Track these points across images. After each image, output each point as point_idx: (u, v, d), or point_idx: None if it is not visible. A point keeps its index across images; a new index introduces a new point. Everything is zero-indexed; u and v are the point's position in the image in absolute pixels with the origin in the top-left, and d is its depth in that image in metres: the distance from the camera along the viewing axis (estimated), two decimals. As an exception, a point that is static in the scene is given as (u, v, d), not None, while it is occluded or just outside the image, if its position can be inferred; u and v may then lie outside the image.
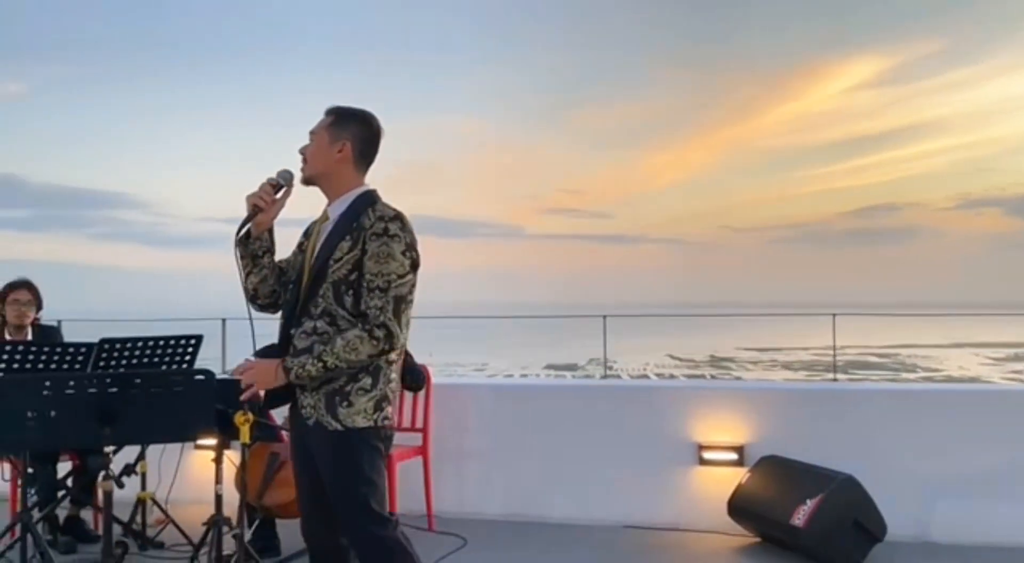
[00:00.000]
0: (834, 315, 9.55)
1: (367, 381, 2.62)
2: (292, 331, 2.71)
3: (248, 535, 3.84)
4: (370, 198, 2.73)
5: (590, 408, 5.07)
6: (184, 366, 4.39)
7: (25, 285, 4.82)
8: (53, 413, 2.18)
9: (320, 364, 2.55)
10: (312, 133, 2.79)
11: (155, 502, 4.64)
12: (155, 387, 2.23)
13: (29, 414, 2.19)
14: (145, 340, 4.34)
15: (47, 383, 2.24)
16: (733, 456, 4.74)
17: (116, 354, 4.25)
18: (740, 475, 4.59)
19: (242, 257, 2.78)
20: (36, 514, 4.30)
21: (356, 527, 2.66)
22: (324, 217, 2.81)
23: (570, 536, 4.70)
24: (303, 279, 2.73)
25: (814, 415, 4.85)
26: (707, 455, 4.78)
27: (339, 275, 2.64)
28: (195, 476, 5.06)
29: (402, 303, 2.62)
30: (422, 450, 4.83)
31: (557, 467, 5.02)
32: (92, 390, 2.17)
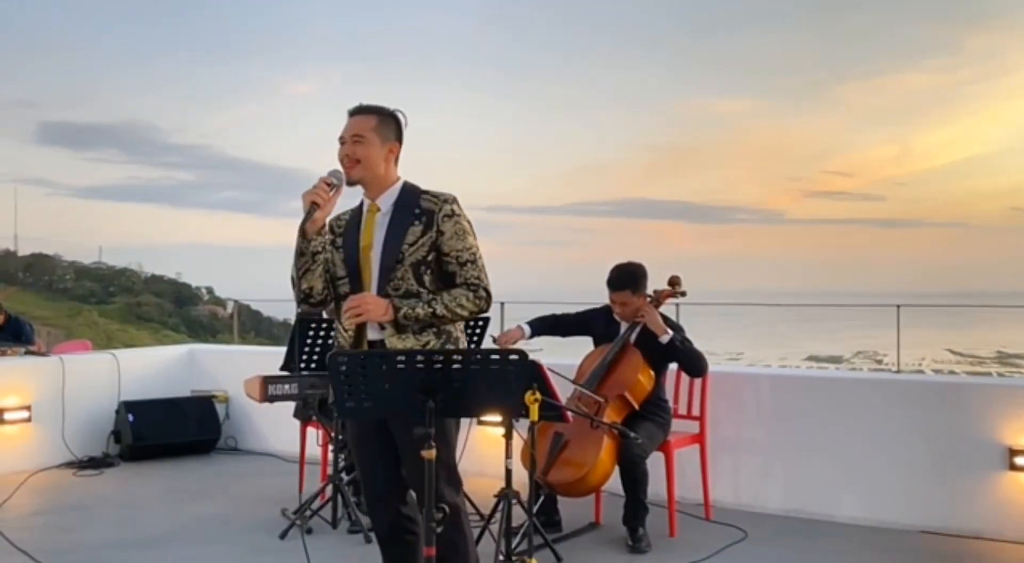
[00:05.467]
0: None
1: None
2: None
3: (534, 510, 3.97)
4: (416, 186, 2.95)
5: (882, 403, 4.74)
6: (474, 343, 4.63)
7: None
8: (387, 385, 2.35)
9: (429, 309, 2.79)
10: (358, 136, 2.88)
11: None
12: (474, 364, 2.34)
13: (363, 386, 2.37)
14: None
15: (378, 358, 2.40)
16: (1052, 463, 4.26)
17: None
18: (1060, 484, 4.13)
19: (301, 254, 2.85)
20: (344, 477, 4.72)
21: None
22: (373, 209, 2.93)
23: (860, 537, 4.45)
24: (366, 268, 2.87)
25: None
26: (1020, 460, 4.33)
27: (417, 257, 2.83)
28: (478, 450, 5.32)
29: (485, 271, 2.91)
30: (699, 438, 4.76)
31: (844, 464, 4.75)
32: (420, 364, 2.31)
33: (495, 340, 4.68)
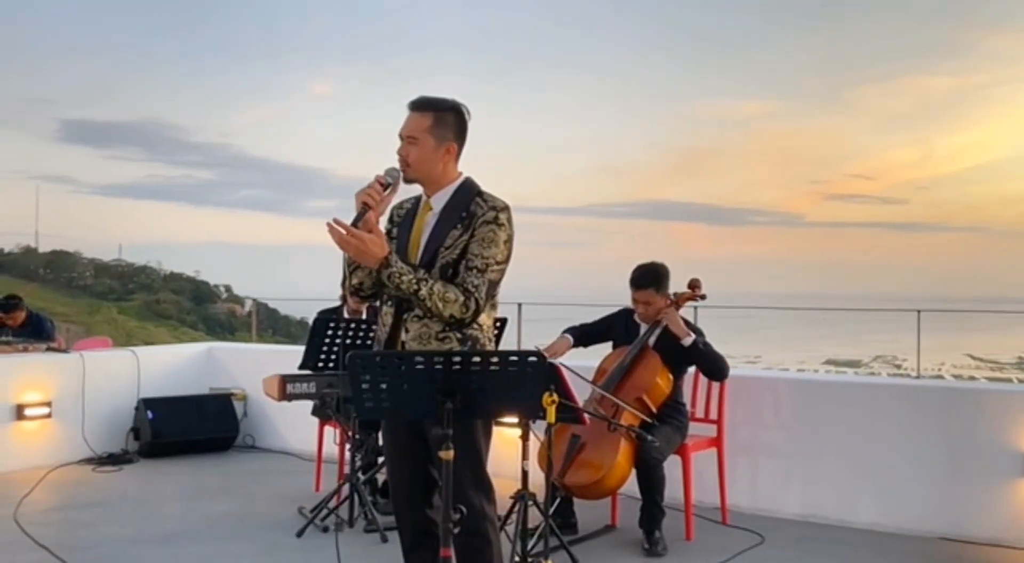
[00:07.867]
0: None
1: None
2: (404, 316, 2.78)
3: (550, 512, 3.97)
4: (474, 187, 2.85)
5: (901, 408, 4.71)
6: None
7: None
8: (405, 386, 2.36)
9: (415, 286, 2.67)
10: (411, 137, 2.79)
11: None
12: (493, 365, 2.34)
13: (383, 386, 2.38)
14: None
15: (397, 358, 2.41)
16: (1073, 471, 4.22)
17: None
18: (1081, 493, 4.09)
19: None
20: (361, 476, 4.74)
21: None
22: (427, 207, 2.86)
23: (878, 544, 4.42)
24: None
25: None
26: (1041, 468, 4.30)
27: (447, 260, 2.75)
28: (495, 451, 5.29)
29: (494, 288, 2.78)
30: (716, 442, 4.74)
31: (862, 469, 4.72)
32: (438, 366, 2.32)
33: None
